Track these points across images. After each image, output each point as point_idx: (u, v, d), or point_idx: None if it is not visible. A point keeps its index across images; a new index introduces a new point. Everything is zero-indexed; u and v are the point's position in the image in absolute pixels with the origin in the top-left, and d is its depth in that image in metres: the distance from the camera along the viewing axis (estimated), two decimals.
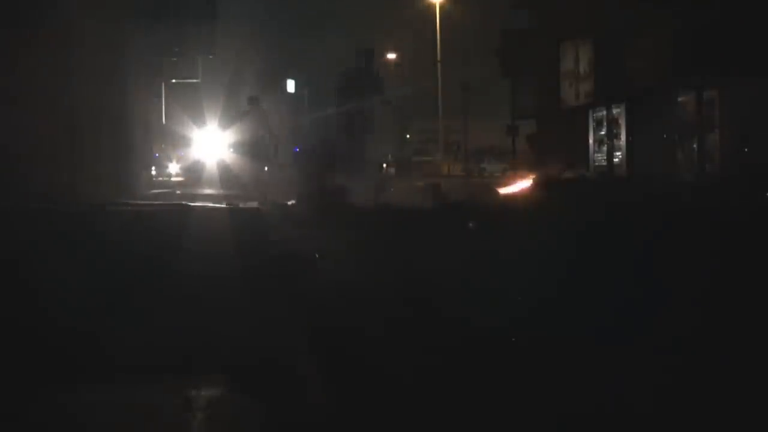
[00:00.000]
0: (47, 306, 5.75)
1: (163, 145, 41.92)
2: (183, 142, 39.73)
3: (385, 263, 7.37)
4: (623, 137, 26.97)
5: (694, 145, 23.55)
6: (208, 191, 22.01)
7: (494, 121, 44.05)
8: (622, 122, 27.05)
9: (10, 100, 18.49)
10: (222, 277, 6.96)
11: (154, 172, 35.27)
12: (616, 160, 27.47)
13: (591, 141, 29.53)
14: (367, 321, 5.46)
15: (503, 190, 22.16)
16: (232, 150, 18.04)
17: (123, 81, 23.14)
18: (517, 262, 6.89)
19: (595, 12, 26.50)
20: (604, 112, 28.37)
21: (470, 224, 9.61)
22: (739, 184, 16.74)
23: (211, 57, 37.06)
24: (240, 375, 4.59)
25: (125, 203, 16.04)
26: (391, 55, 53.56)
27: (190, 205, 14.82)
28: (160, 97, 36.60)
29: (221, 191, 19.84)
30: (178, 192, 25.04)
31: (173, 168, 41.80)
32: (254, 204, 15.12)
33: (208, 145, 27.98)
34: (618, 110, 27.32)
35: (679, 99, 24.40)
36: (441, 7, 45.82)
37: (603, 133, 28.62)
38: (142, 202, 17.86)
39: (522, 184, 22.01)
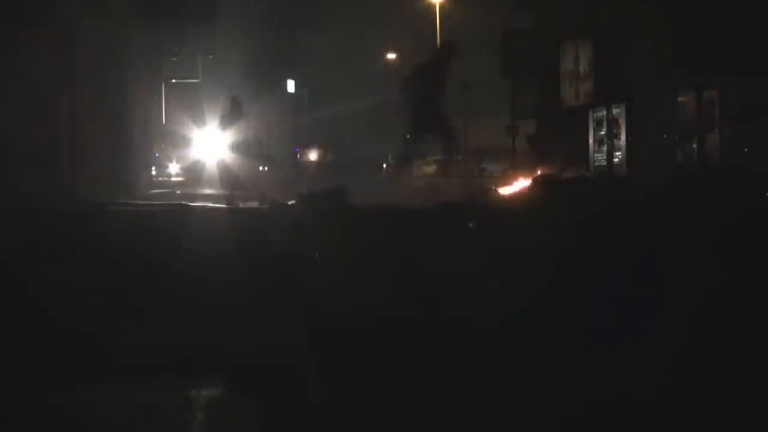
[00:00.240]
0: (47, 306, 5.75)
1: (163, 145, 41.95)
2: (183, 142, 39.76)
3: (385, 263, 7.36)
4: (623, 137, 26.98)
5: (694, 145, 23.56)
6: (208, 191, 22.02)
7: (494, 121, 44.00)
8: (622, 122, 27.06)
9: (10, 100, 18.51)
10: (222, 277, 6.95)
11: (154, 172, 35.31)
12: (616, 160, 27.48)
13: (591, 141, 29.54)
14: (367, 321, 5.46)
15: (503, 190, 22.15)
16: (227, 150, 18.02)
17: (123, 81, 23.15)
18: (517, 261, 6.88)
19: (595, 12, 26.50)
20: (604, 112, 28.38)
21: (470, 224, 9.59)
22: (739, 184, 16.71)
23: (211, 57, 37.07)
24: (240, 375, 4.59)
25: (125, 203, 16.03)
26: (391, 55, 53.57)
27: (190, 205, 14.82)
28: (160, 97, 36.61)
29: (221, 191, 19.84)
30: (178, 192, 25.06)
31: (173, 168, 41.85)
32: (254, 204, 15.10)
33: (208, 145, 27.97)
34: (618, 110, 27.33)
35: (679, 99, 24.41)
36: (441, 7, 45.80)
37: (603, 133, 28.63)
38: (142, 202, 17.87)
39: (522, 184, 21.99)
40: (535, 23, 33.76)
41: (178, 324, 5.54)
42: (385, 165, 45.13)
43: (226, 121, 16.79)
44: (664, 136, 24.83)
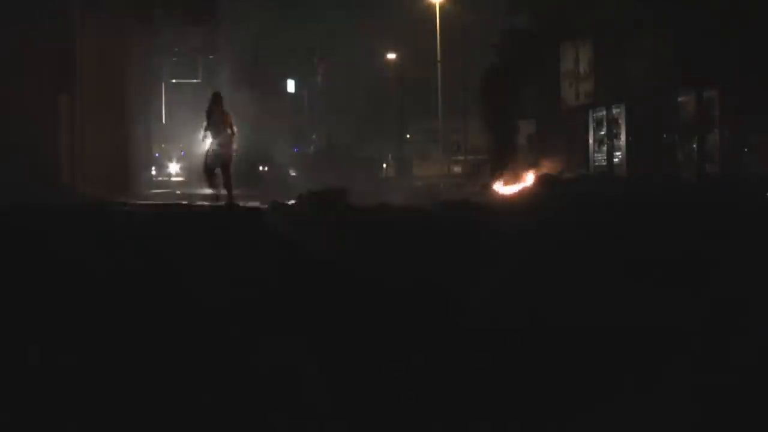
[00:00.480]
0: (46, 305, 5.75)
1: (163, 145, 41.94)
2: (183, 142, 39.78)
3: (385, 263, 7.37)
4: (623, 137, 26.99)
5: (694, 145, 23.56)
6: (208, 191, 22.00)
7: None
8: (622, 122, 27.07)
9: (11, 100, 18.53)
10: (222, 277, 6.96)
11: (154, 172, 35.29)
12: (616, 160, 27.49)
13: (591, 141, 29.55)
14: (367, 320, 5.47)
15: (503, 190, 22.18)
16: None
17: (122, 81, 23.16)
18: (517, 261, 6.90)
19: (595, 12, 26.51)
20: (604, 112, 28.39)
21: (470, 224, 9.63)
22: (739, 184, 16.76)
23: (211, 57, 37.10)
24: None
25: (125, 203, 16.04)
26: (391, 55, 53.57)
27: (189, 205, 14.84)
28: (161, 96, 36.64)
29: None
30: (178, 192, 25.07)
31: (173, 168, 41.82)
32: (254, 204, 15.12)
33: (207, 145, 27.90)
34: (618, 110, 27.34)
35: (679, 99, 24.42)
36: (441, 7, 45.79)
37: (603, 133, 28.64)
38: (142, 202, 17.87)
39: (522, 184, 22.03)
40: (535, 23, 33.73)
41: (178, 324, 5.54)
42: (385, 165, 45.14)
43: (208, 116, 16.67)
44: (664, 136, 24.83)
